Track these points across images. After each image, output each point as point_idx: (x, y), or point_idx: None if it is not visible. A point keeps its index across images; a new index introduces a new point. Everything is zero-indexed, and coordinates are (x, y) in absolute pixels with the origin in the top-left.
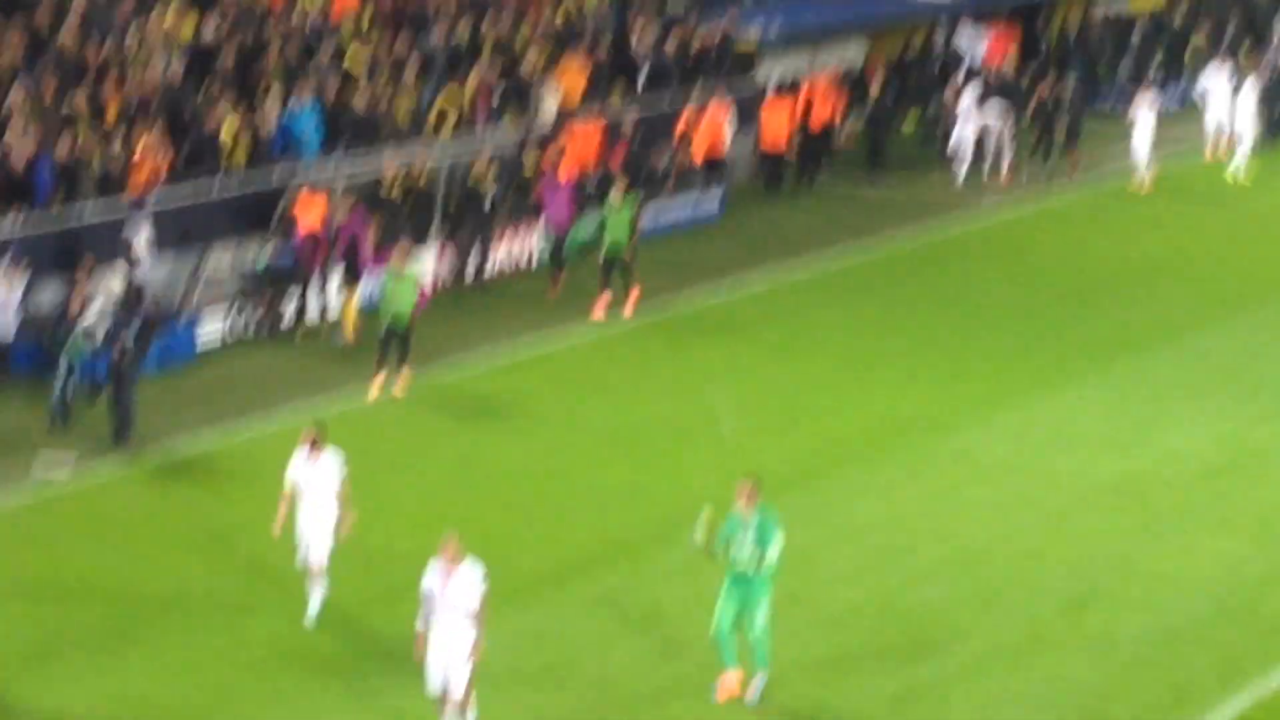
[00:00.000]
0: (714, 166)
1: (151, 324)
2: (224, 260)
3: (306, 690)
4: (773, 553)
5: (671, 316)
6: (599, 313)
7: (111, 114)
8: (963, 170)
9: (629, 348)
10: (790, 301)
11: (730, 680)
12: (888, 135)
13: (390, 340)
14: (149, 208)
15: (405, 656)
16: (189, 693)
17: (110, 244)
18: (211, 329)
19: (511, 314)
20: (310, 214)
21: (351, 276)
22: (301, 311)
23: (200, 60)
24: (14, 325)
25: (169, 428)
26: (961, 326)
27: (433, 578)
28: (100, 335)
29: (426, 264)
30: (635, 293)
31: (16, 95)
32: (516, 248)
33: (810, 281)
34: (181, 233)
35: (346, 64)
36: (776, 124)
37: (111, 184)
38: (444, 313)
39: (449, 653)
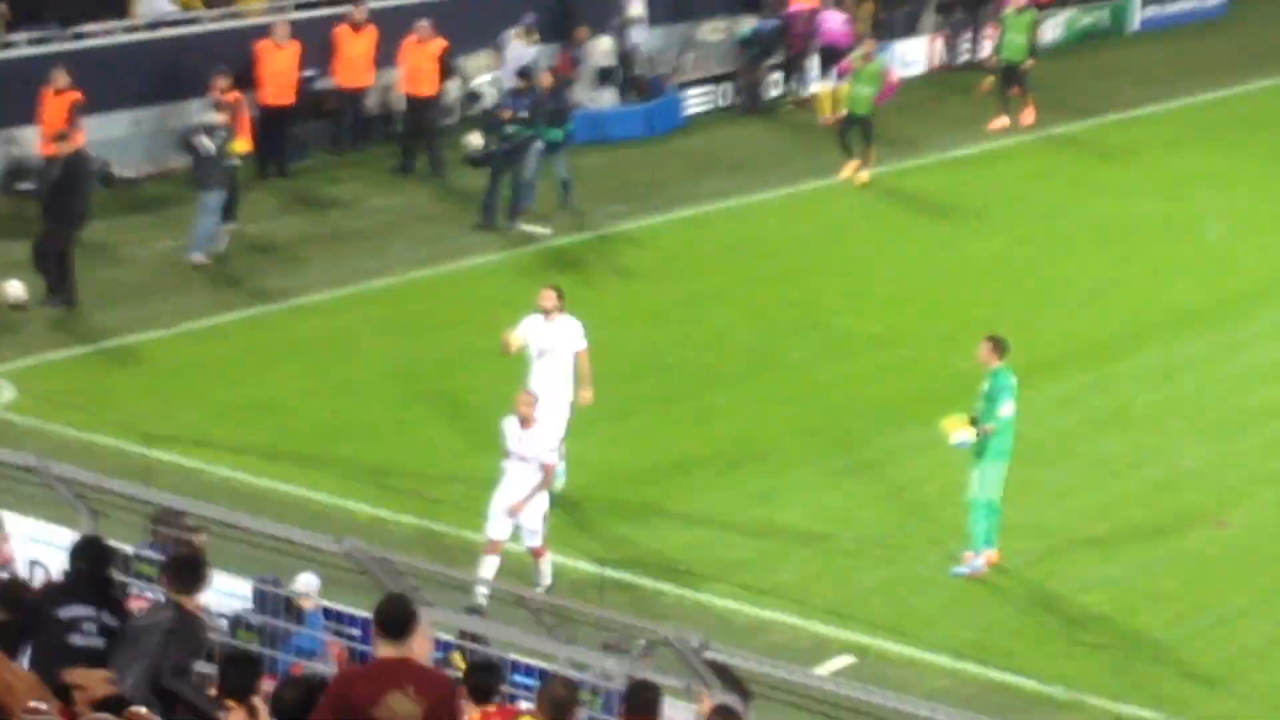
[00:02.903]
0: None
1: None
2: (713, 32)
3: (760, 472)
4: (1001, 413)
5: (1168, 113)
6: (992, 125)
7: None
8: None
9: (1120, 142)
10: None
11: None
12: None
13: (850, 128)
14: None
15: (860, 438)
16: (644, 462)
17: (603, 10)
18: (699, 97)
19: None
20: None
21: (829, 59)
22: (786, 85)
23: None
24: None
25: (643, 197)
26: None
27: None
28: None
29: (891, 56)
30: (1024, 114)
31: None
32: None
33: None
34: (671, 4)
35: None
36: None
37: None
38: (934, 97)
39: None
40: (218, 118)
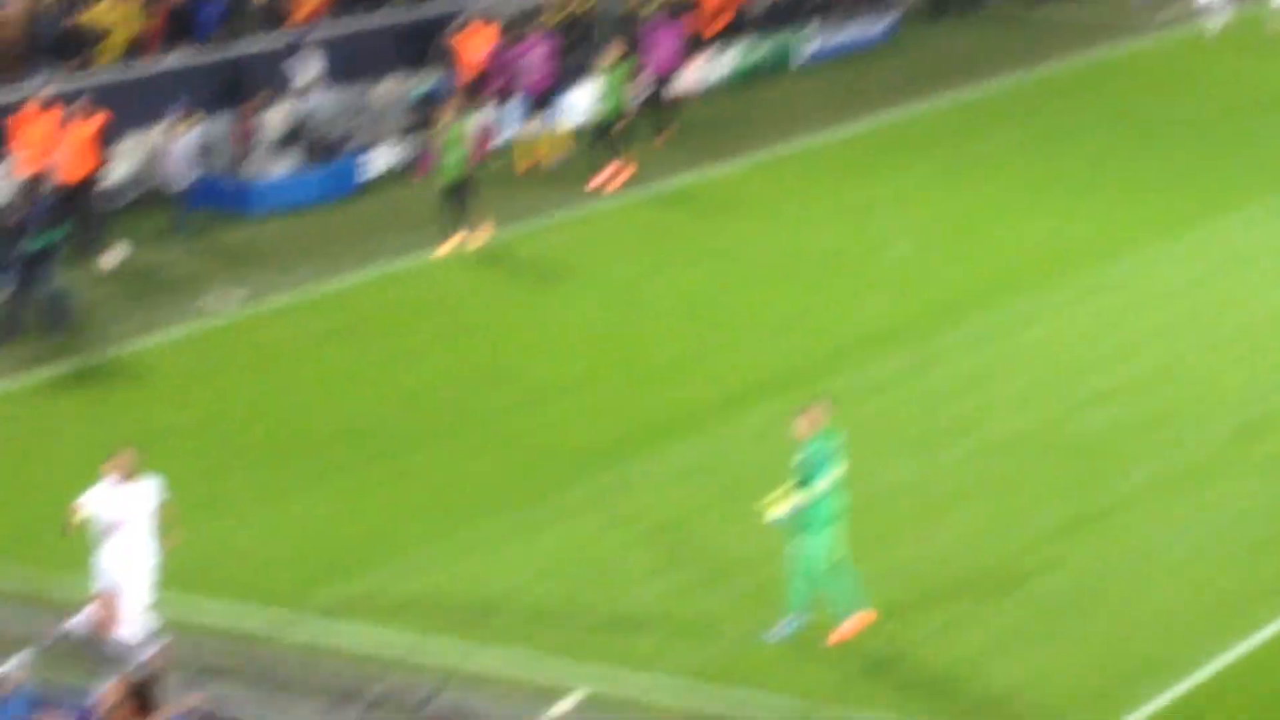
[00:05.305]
0: None
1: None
2: (388, 92)
3: (468, 523)
4: (817, 487)
5: (840, 141)
6: (595, 183)
7: None
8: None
9: (795, 174)
10: (959, 124)
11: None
12: None
13: (451, 195)
14: (314, 40)
15: (564, 482)
16: (350, 524)
17: (276, 78)
18: (374, 160)
19: (670, 145)
20: (473, 45)
21: (534, 104)
22: None
23: None
24: (190, 170)
25: (327, 261)
26: (1132, 149)
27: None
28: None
29: (477, 119)
30: (620, 168)
31: None
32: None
33: (979, 104)
34: (346, 65)
35: None
36: None
37: (275, 17)
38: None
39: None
40: None
